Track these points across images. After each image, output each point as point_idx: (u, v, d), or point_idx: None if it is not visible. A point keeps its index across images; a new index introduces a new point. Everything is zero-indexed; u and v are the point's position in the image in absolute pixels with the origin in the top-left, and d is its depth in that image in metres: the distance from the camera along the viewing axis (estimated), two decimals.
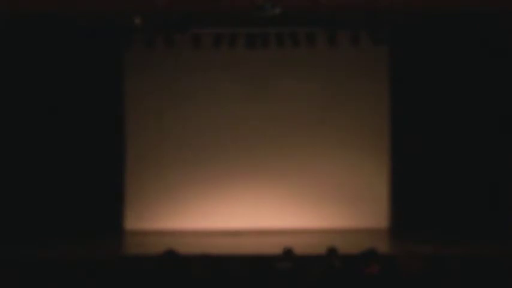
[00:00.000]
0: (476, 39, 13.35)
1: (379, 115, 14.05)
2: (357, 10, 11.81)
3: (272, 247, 10.50)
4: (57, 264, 10.03)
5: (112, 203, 13.83)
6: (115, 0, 11.30)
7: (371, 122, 14.08)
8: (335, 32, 13.16)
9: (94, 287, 9.26)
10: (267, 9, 10.33)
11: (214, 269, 8.89)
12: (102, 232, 13.31)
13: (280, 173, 14.04)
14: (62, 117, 13.73)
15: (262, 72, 14.06)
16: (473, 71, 13.57)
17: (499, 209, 13.25)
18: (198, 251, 9.98)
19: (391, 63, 13.98)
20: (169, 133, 14.09)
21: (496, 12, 11.91)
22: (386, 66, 14.01)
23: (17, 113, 13.58)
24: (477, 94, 13.59)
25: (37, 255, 11.02)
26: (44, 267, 9.92)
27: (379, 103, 14.05)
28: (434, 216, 13.44)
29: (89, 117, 13.77)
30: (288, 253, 9.20)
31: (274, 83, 14.09)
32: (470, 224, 13.18)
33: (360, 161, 14.04)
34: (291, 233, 13.31)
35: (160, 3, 11.07)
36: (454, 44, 13.54)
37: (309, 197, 14.00)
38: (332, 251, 9.14)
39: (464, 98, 13.64)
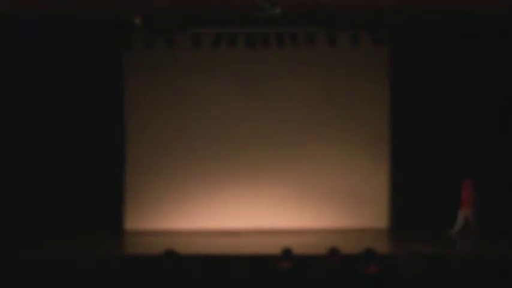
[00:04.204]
0: (477, 39, 13.35)
1: (379, 115, 14.06)
2: (357, 10, 11.82)
3: (272, 247, 10.49)
4: (57, 264, 10.03)
5: (112, 203, 13.84)
6: (115, 0, 11.30)
7: (371, 121, 14.08)
8: (335, 32, 13.17)
9: (94, 287, 9.26)
10: (267, 9, 10.33)
11: (214, 269, 8.89)
12: (102, 232, 13.31)
13: (280, 173, 14.04)
14: (62, 118, 13.73)
15: (262, 72, 14.05)
16: (473, 71, 13.58)
17: (499, 209, 13.24)
18: (198, 251, 10.01)
19: (391, 63, 13.98)
20: (169, 133, 14.08)
21: (497, 12, 11.91)
22: (386, 66, 14.02)
23: (17, 113, 13.60)
24: (477, 93, 13.60)
25: (37, 255, 11.03)
26: (44, 267, 9.92)
27: (379, 103, 14.06)
28: (434, 216, 13.43)
29: (89, 117, 13.77)
30: (287, 253, 9.19)
31: (274, 83, 14.07)
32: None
33: (359, 161, 14.04)
34: (291, 233, 13.30)
35: (160, 3, 11.07)
36: (454, 44, 13.54)
37: (309, 197, 13.99)
38: (334, 252, 9.13)
39: (464, 97, 13.64)
